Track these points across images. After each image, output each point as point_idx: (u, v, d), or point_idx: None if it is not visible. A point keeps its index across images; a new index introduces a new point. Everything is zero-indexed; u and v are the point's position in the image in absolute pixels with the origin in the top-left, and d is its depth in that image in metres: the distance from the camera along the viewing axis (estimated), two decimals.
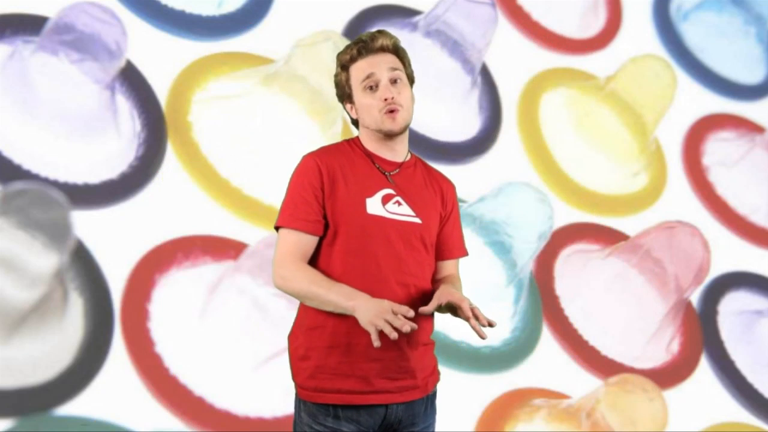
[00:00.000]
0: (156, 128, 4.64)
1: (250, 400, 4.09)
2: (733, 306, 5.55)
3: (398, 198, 2.65)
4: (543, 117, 5.80)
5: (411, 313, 2.43)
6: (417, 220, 2.65)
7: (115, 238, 4.28)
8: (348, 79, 2.70)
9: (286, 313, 3.87)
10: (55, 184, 4.20)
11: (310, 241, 2.60)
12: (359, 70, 2.67)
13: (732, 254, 5.78)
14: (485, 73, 5.70)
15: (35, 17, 4.54)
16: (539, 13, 6.15)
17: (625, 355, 5.02)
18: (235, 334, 4.11)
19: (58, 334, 3.90)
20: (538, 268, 5.13)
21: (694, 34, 6.69)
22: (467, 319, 2.50)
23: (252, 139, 4.72)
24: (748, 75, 6.77)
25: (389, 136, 2.67)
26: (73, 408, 3.85)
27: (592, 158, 5.76)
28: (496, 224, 4.82)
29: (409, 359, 2.61)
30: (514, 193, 4.82)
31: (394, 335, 2.40)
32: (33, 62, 4.26)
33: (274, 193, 4.44)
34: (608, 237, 5.45)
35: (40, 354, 3.83)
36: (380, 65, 2.65)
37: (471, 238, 4.43)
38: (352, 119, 2.75)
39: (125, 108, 4.60)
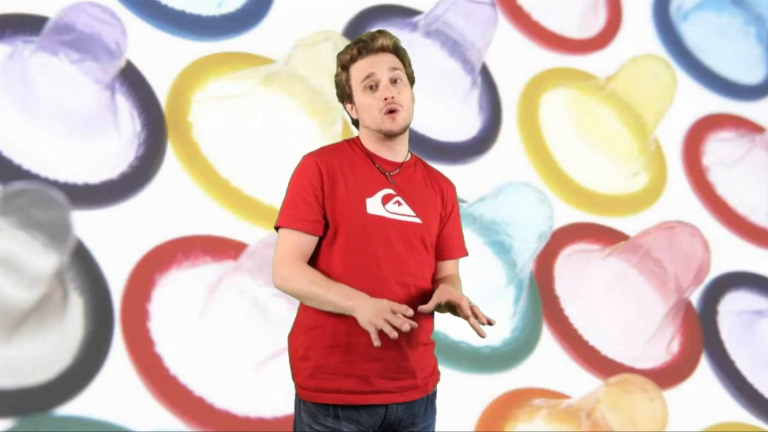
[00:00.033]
0: (156, 128, 4.64)
1: (250, 400, 4.09)
2: (733, 306, 5.55)
3: (398, 198, 2.65)
4: (543, 117, 5.80)
5: (410, 312, 2.43)
6: (417, 220, 2.65)
7: (115, 238, 4.28)
8: (348, 79, 2.70)
9: (286, 313, 3.87)
10: (55, 184, 4.20)
11: (309, 241, 2.60)
12: (359, 69, 2.67)
13: (732, 254, 5.78)
14: (485, 73, 5.70)
15: (35, 17, 4.54)
16: (539, 13, 6.15)
17: (625, 355, 5.02)
18: (235, 334, 4.11)
19: (58, 334, 3.90)
20: (538, 268, 5.13)
21: (694, 34, 6.69)
22: (466, 318, 2.50)
23: (252, 139, 4.72)
24: (748, 75, 6.77)
25: (389, 136, 2.67)
26: (73, 408, 3.85)
27: (592, 158, 5.76)
28: (496, 224, 4.82)
29: (409, 359, 2.61)
30: (514, 193, 4.82)
31: (394, 334, 2.40)
32: (33, 62, 4.26)
33: (274, 193, 4.45)
34: (608, 237, 5.45)
35: (40, 354, 3.83)
36: (380, 65, 2.65)
37: (471, 238, 4.42)
38: (352, 119, 2.75)
39: (125, 108, 4.60)
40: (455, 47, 5.28)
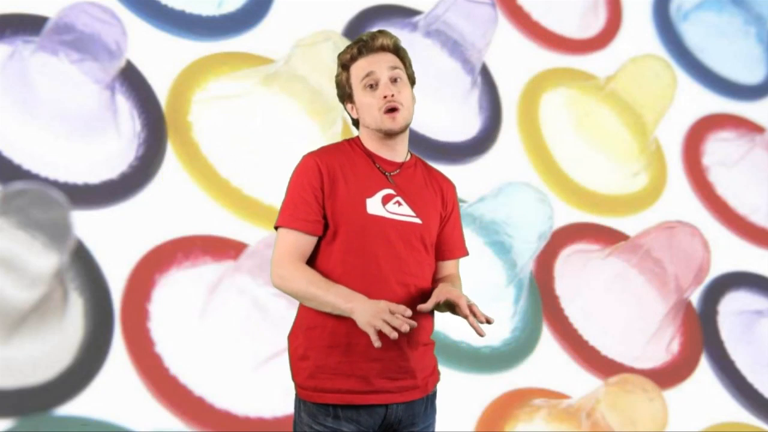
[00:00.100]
0: (156, 128, 4.64)
1: (250, 400, 4.09)
2: (733, 306, 5.55)
3: (398, 198, 2.65)
4: (543, 117, 5.80)
5: (408, 312, 2.44)
6: (417, 221, 2.65)
7: (115, 238, 4.28)
8: (348, 79, 2.70)
9: (286, 313, 3.87)
10: (55, 184, 4.20)
11: (309, 241, 2.60)
12: (359, 68, 2.67)
13: (732, 254, 5.78)
14: (485, 73, 5.70)
15: (35, 17, 4.54)
16: (539, 13, 6.15)
17: (625, 355, 5.02)
18: (235, 334, 4.11)
19: (58, 334, 3.90)
20: (538, 268, 5.13)
21: (694, 34, 6.69)
22: (465, 317, 2.50)
23: (252, 139, 4.72)
24: (748, 75, 6.77)
25: (389, 135, 2.67)
26: (73, 408, 3.85)
27: (592, 158, 5.76)
28: (496, 224, 4.82)
29: (409, 359, 2.61)
30: (514, 193, 4.82)
31: (394, 335, 2.40)
32: (33, 62, 4.26)
33: (274, 193, 4.44)
34: (608, 237, 5.45)
35: (40, 354, 3.83)
36: (380, 64, 2.66)
37: (471, 238, 4.42)
38: (352, 119, 2.75)
39: (125, 108, 4.60)
40: (455, 47, 5.28)
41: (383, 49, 2.68)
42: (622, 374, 4.53)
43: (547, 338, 4.96)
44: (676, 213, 5.63)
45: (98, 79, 4.31)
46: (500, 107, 5.68)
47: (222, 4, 5.17)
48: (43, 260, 3.62)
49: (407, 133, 2.72)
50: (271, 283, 2.62)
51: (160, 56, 4.83)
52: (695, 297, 5.45)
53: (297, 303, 2.66)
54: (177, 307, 4.20)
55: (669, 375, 5.09)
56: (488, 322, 2.49)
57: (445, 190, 2.76)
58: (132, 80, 4.67)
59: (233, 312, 4.11)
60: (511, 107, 5.73)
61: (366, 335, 2.47)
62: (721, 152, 6.24)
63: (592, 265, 5.15)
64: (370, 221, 2.60)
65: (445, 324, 3.52)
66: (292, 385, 2.67)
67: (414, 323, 2.42)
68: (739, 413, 5.18)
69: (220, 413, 4.03)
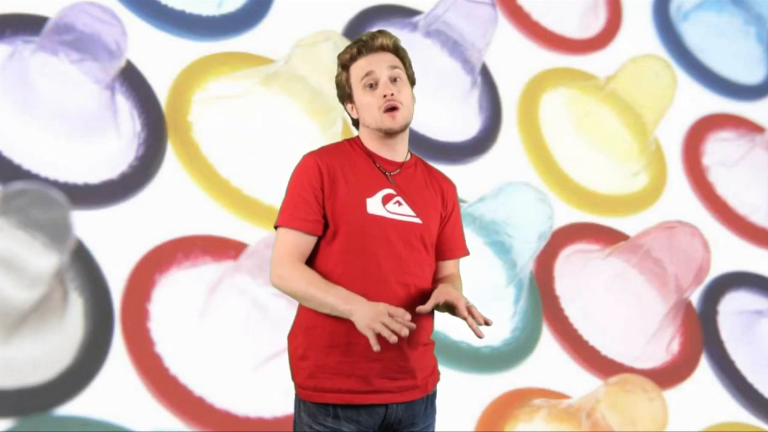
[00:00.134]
0: (156, 128, 4.64)
1: (250, 400, 4.09)
2: (733, 306, 5.55)
3: (399, 198, 2.65)
4: (543, 117, 5.80)
5: (408, 316, 2.43)
6: (417, 221, 2.65)
7: (115, 238, 4.28)
8: (348, 79, 2.70)
9: (286, 313, 3.87)
10: (55, 184, 4.20)
11: (308, 241, 2.60)
12: (359, 68, 2.67)
13: (732, 254, 5.78)
14: (485, 73, 5.70)
15: (35, 17, 4.54)
16: (539, 13, 6.15)
17: (625, 355, 5.02)
18: (235, 334, 4.11)
19: (58, 334, 3.90)
20: (538, 268, 5.13)
21: (694, 34, 6.69)
22: (464, 318, 2.50)
23: (252, 139, 4.72)
24: (748, 75, 6.77)
25: (389, 134, 2.67)
26: (73, 408, 3.85)
27: (592, 158, 5.76)
28: (496, 224, 4.82)
29: (409, 359, 2.61)
30: (514, 193, 4.82)
31: (393, 339, 2.40)
32: (33, 62, 4.26)
33: (274, 193, 4.44)
34: (608, 237, 5.44)
35: (40, 354, 3.83)
36: (380, 63, 2.66)
37: (471, 238, 4.42)
38: (352, 120, 2.75)
39: (125, 108, 4.60)
40: (455, 47, 5.28)
41: (383, 48, 2.68)
42: (622, 374, 4.53)
43: (547, 338, 4.96)
44: (676, 213, 5.63)
45: (98, 79, 4.31)
46: (500, 107, 5.68)
47: (222, 4, 5.17)
48: (43, 260, 3.62)
49: (407, 132, 2.72)
50: (271, 283, 2.62)
51: (160, 56, 4.83)
52: (695, 297, 5.45)
53: (297, 303, 2.66)
54: (177, 307, 4.20)
55: (669, 375, 5.08)
56: (486, 323, 2.49)
57: (445, 189, 2.76)
58: (132, 80, 4.67)
59: (233, 312, 4.11)
60: (511, 107, 5.73)
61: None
62: (721, 152, 6.24)
63: (592, 265, 5.15)
64: (370, 221, 2.60)
65: (445, 324, 3.51)
66: (292, 385, 2.67)
67: (413, 325, 2.42)
68: (739, 413, 5.18)
69: (220, 413, 4.03)
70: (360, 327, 2.45)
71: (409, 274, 2.62)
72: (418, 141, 5.07)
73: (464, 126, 5.49)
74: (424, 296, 2.64)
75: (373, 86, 2.66)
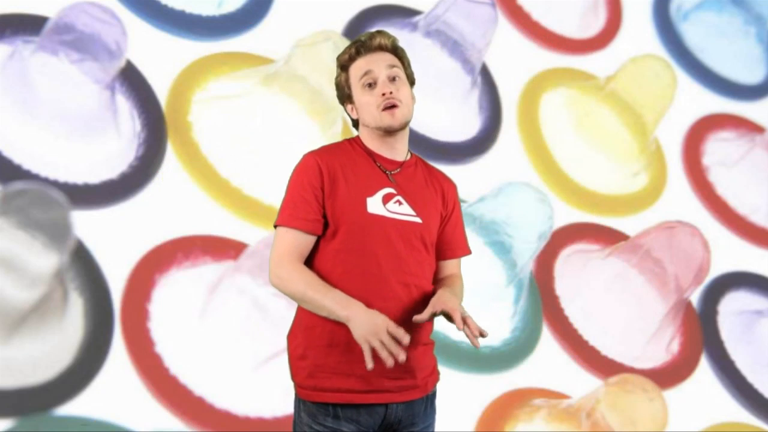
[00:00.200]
0: (156, 128, 4.64)
1: (250, 400, 4.09)
2: (733, 306, 5.55)
3: (399, 197, 2.65)
4: (543, 117, 5.80)
5: (406, 339, 2.44)
6: (417, 220, 2.65)
7: (115, 238, 4.28)
8: (347, 79, 2.70)
9: (286, 313, 3.87)
10: (55, 184, 4.20)
11: (308, 241, 2.60)
12: (357, 68, 2.68)
13: (732, 254, 5.78)
14: (485, 73, 5.70)
15: (35, 17, 4.54)
16: (539, 13, 6.15)
17: (625, 355, 5.02)
18: (235, 334, 4.11)
19: (58, 334, 3.90)
20: (538, 268, 5.13)
21: (694, 34, 6.69)
22: (459, 329, 2.51)
23: (252, 139, 4.72)
24: (748, 75, 6.77)
25: (389, 132, 2.67)
26: (73, 408, 3.85)
27: (592, 158, 5.76)
28: (496, 224, 4.82)
29: (409, 359, 2.61)
30: (514, 193, 4.82)
31: (390, 362, 2.42)
32: (33, 62, 4.26)
33: (274, 193, 4.44)
34: (608, 237, 5.44)
35: (40, 354, 3.83)
36: (378, 63, 2.66)
37: (471, 238, 4.40)
38: (352, 120, 2.75)
39: (125, 108, 4.60)
40: (455, 47, 5.28)
41: (381, 48, 2.69)
42: (622, 374, 4.53)
43: (547, 338, 4.96)
44: (676, 213, 5.63)
45: (98, 79, 4.31)
46: (500, 107, 5.68)
47: (222, 4, 5.17)
48: (43, 260, 3.62)
49: (407, 131, 2.72)
50: (269, 282, 2.62)
51: (160, 56, 4.83)
52: (695, 297, 5.45)
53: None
54: (177, 307, 4.20)
55: (669, 375, 5.08)
56: (482, 335, 2.50)
57: (445, 189, 2.76)
58: (132, 80, 4.67)
59: (233, 312, 4.11)
60: (511, 107, 5.73)
61: None
62: (721, 152, 6.24)
63: (592, 265, 5.15)
64: (370, 220, 2.60)
65: (445, 324, 3.51)
66: (291, 385, 2.67)
67: (404, 357, 2.42)
68: (739, 413, 5.18)
69: (220, 413, 4.03)
70: (356, 336, 2.46)
71: (409, 273, 2.62)
72: (418, 141, 5.07)
73: (464, 126, 5.49)
74: (425, 296, 2.64)
75: (371, 85, 2.66)
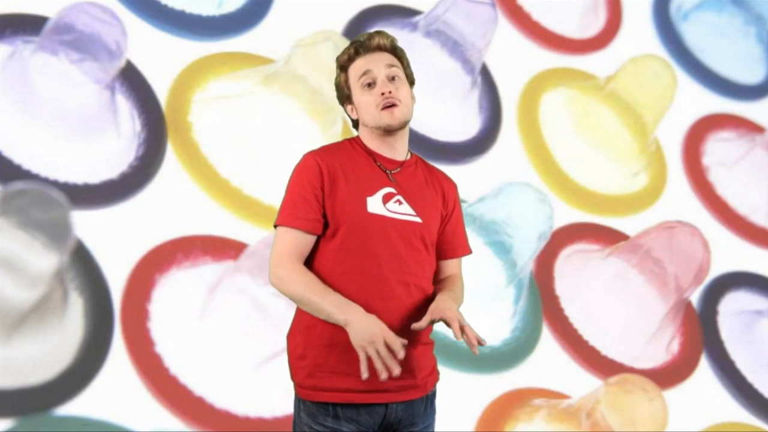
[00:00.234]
0: (156, 128, 4.64)
1: (250, 400, 4.09)
2: (733, 306, 5.55)
3: (399, 197, 2.65)
4: (543, 117, 5.80)
5: (401, 354, 2.44)
6: (417, 220, 2.65)
7: (115, 238, 4.28)
8: (347, 80, 2.71)
9: (286, 313, 3.87)
10: (55, 184, 4.20)
11: (308, 240, 2.60)
12: (357, 68, 2.68)
13: (732, 254, 5.78)
14: (485, 73, 5.70)
15: (35, 17, 4.54)
16: (539, 13, 6.15)
17: (625, 355, 5.02)
18: (235, 334, 4.11)
19: (58, 334, 3.89)
20: (538, 268, 5.13)
21: (694, 34, 6.69)
22: (458, 339, 2.51)
23: (252, 139, 4.72)
24: (748, 75, 6.77)
25: (388, 132, 2.67)
26: (73, 408, 3.85)
27: (592, 158, 5.76)
28: (496, 224, 4.82)
29: (409, 358, 2.61)
30: (514, 193, 4.82)
31: (384, 376, 2.42)
32: (33, 62, 4.26)
33: (274, 193, 4.44)
34: (608, 237, 5.44)
35: (40, 354, 3.83)
36: (377, 62, 2.66)
37: (471, 238, 4.41)
38: (353, 121, 2.75)
39: (125, 108, 4.60)
40: (455, 47, 5.28)
41: (380, 48, 2.69)
42: (622, 374, 4.53)
43: (547, 338, 4.96)
44: (676, 213, 5.63)
45: (98, 79, 4.31)
46: (500, 107, 5.68)
47: (222, 4, 5.17)
48: (43, 260, 3.62)
49: (407, 131, 2.72)
50: (269, 282, 2.62)
51: (160, 56, 4.83)
52: (695, 297, 5.45)
53: None
54: (177, 307, 4.20)
55: (669, 375, 5.08)
56: (480, 343, 2.50)
57: (446, 189, 2.76)
58: (132, 80, 4.67)
59: (233, 312, 4.11)
60: (511, 107, 5.73)
61: None
62: (721, 152, 6.24)
63: (592, 265, 5.15)
64: (370, 220, 2.60)
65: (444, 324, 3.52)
66: (291, 384, 2.67)
67: (398, 372, 2.42)
68: (739, 413, 5.18)
69: (220, 413, 4.03)
70: (353, 341, 2.47)
71: (409, 273, 2.62)
72: (418, 141, 5.07)
73: (464, 126, 5.49)
74: (425, 296, 2.64)
75: (370, 85, 2.66)
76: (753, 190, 6.14)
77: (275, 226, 2.63)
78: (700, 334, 5.36)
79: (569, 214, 5.46)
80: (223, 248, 4.40)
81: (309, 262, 2.62)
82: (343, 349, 2.56)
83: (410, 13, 5.59)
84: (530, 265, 4.85)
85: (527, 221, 4.76)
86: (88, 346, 3.97)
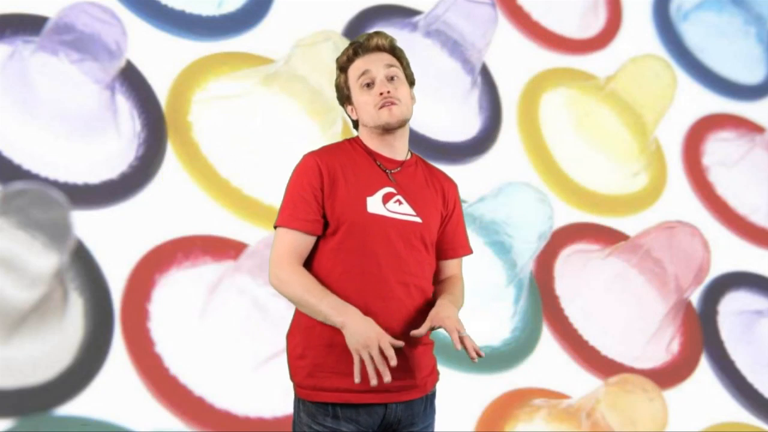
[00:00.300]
0: (156, 128, 4.64)
1: (250, 400, 4.09)
2: (733, 306, 5.55)
3: (399, 197, 2.65)
4: (543, 117, 5.80)
5: (394, 362, 2.44)
6: (417, 220, 2.65)
7: (115, 238, 4.28)
8: (346, 81, 2.71)
9: (286, 313, 3.86)
10: (55, 184, 4.20)
11: (307, 241, 2.60)
12: (356, 69, 2.68)
13: (732, 254, 5.78)
14: (485, 73, 5.70)
15: (35, 17, 4.54)
16: (539, 13, 6.15)
17: (625, 355, 5.02)
18: (235, 334, 4.11)
19: (58, 334, 3.90)
20: (538, 268, 5.13)
21: (694, 34, 6.69)
22: (457, 349, 2.51)
23: (252, 139, 4.72)
24: (748, 75, 6.77)
25: (387, 131, 2.67)
26: (73, 408, 3.85)
27: (592, 158, 5.76)
28: (496, 224, 4.82)
29: (409, 359, 2.61)
30: (514, 193, 4.82)
31: (373, 382, 2.43)
32: (33, 62, 4.26)
33: (274, 193, 4.44)
34: (608, 237, 5.44)
35: (40, 354, 3.83)
36: (376, 63, 2.67)
37: (471, 238, 4.41)
38: (353, 121, 2.76)
39: (125, 108, 4.60)
40: (455, 47, 5.28)
41: (379, 48, 2.69)
42: (622, 374, 4.53)
43: (547, 338, 4.96)
44: (676, 213, 5.63)
45: (98, 79, 4.31)
46: (500, 107, 5.68)
47: (222, 4, 5.17)
48: (43, 260, 3.62)
49: (407, 130, 2.72)
50: (269, 282, 2.63)
51: (160, 56, 4.83)
52: (695, 297, 5.45)
53: None
54: (177, 307, 4.20)
55: (669, 375, 5.08)
56: (478, 355, 2.51)
57: (446, 189, 2.76)
58: (132, 80, 4.67)
59: (233, 312, 4.11)
60: (511, 107, 5.73)
61: None
62: (721, 152, 6.24)
63: (592, 265, 5.15)
64: (370, 220, 2.60)
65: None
66: (291, 385, 2.67)
67: (389, 378, 2.43)
68: (739, 413, 5.18)
69: (220, 413, 4.03)
70: (348, 344, 2.48)
71: (409, 273, 2.62)
72: (418, 141, 5.07)
73: (464, 126, 5.49)
74: (425, 296, 2.64)
75: (370, 85, 2.66)
76: (753, 190, 6.14)
77: (275, 227, 2.63)
78: (700, 334, 5.36)
79: (569, 214, 5.46)
80: (223, 248, 4.40)
81: (309, 262, 2.62)
82: (342, 349, 2.56)
83: (410, 13, 5.59)
84: (530, 265, 4.85)
85: (527, 221, 4.76)
86: (88, 346, 3.97)
